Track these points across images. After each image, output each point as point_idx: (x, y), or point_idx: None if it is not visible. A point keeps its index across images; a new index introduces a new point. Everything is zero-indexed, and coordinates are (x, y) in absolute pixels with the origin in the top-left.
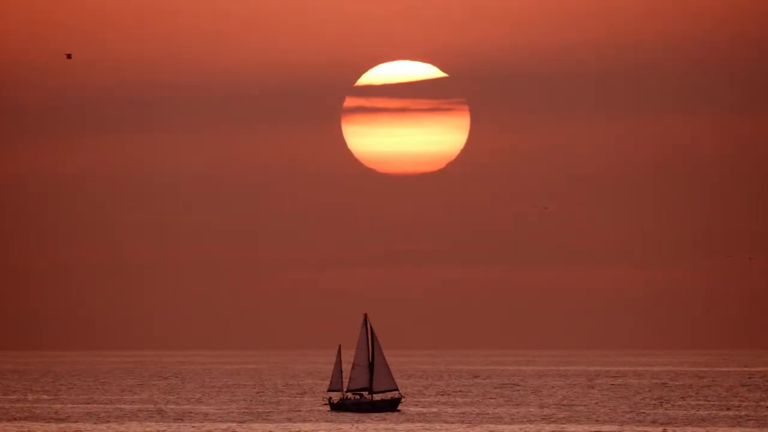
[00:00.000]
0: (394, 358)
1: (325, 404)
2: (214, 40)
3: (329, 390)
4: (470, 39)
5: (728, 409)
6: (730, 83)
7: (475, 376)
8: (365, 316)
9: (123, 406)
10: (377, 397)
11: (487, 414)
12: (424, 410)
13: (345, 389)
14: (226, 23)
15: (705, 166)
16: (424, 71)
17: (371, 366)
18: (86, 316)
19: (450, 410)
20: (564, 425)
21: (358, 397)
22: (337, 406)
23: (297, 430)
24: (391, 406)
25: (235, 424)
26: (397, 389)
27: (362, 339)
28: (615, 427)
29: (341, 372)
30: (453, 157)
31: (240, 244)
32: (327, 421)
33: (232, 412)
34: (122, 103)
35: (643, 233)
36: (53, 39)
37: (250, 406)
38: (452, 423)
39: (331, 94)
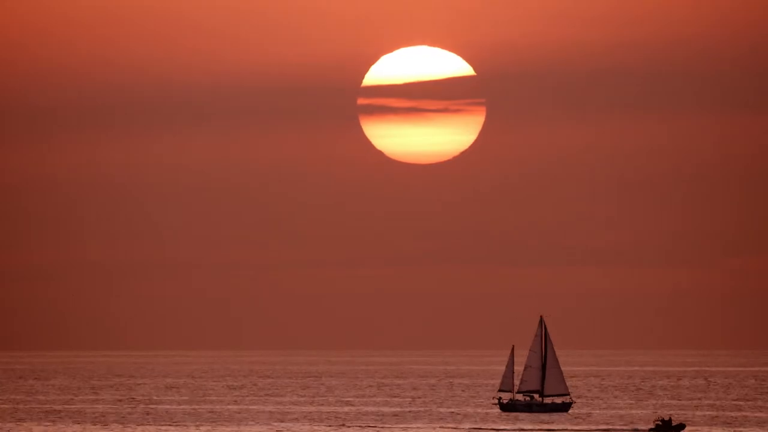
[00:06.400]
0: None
1: (495, 404)
2: (218, 41)
3: (500, 390)
4: (491, 37)
5: None
6: (752, 84)
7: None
8: (541, 318)
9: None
10: (547, 400)
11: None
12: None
13: (516, 390)
14: (228, 23)
15: (718, 167)
16: (454, 67)
17: (543, 368)
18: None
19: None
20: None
21: (528, 398)
22: (508, 407)
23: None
24: (561, 409)
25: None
26: (568, 393)
27: (536, 341)
28: None
29: (513, 373)
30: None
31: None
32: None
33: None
34: (130, 103)
35: (648, 233)
36: (47, 44)
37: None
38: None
39: (343, 92)
